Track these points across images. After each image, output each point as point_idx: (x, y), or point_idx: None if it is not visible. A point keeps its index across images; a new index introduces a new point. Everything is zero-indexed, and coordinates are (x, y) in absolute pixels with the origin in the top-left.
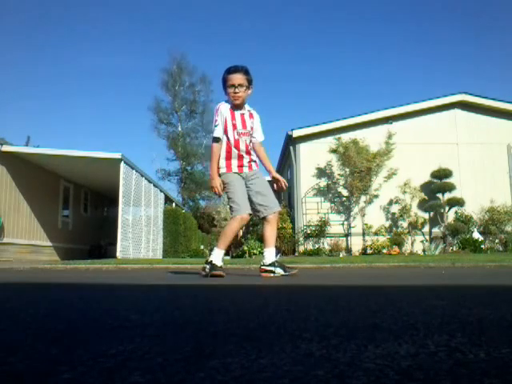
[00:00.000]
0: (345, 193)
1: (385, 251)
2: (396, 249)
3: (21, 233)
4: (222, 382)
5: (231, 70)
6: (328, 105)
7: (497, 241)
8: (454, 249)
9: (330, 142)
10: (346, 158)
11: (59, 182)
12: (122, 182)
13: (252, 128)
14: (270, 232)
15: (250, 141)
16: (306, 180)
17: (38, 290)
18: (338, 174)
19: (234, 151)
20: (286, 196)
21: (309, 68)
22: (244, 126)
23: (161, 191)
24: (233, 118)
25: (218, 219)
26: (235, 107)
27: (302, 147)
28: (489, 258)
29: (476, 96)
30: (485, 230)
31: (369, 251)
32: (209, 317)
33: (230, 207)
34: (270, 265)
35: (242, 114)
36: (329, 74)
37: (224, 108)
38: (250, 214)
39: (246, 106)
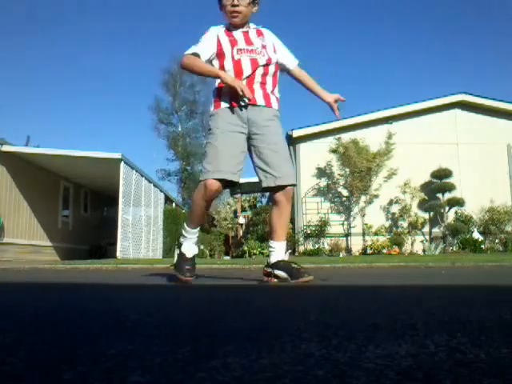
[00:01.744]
0: (345, 193)
1: (385, 251)
2: (396, 249)
3: (21, 233)
4: (222, 382)
5: None
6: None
7: (497, 241)
8: (454, 249)
9: (330, 141)
10: (346, 158)
11: (59, 182)
12: (121, 182)
13: (264, 47)
14: (277, 218)
15: (266, 65)
16: (306, 180)
17: (38, 290)
18: (338, 174)
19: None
20: None
21: (309, 68)
22: (248, 42)
23: (161, 191)
24: (229, 35)
25: (218, 219)
26: (233, 28)
27: (302, 147)
28: (489, 258)
29: (476, 96)
30: (485, 229)
31: (369, 251)
32: (209, 317)
33: (203, 167)
34: (272, 265)
35: (246, 32)
36: (328, 74)
37: (215, 29)
38: (223, 181)
39: (251, 25)
